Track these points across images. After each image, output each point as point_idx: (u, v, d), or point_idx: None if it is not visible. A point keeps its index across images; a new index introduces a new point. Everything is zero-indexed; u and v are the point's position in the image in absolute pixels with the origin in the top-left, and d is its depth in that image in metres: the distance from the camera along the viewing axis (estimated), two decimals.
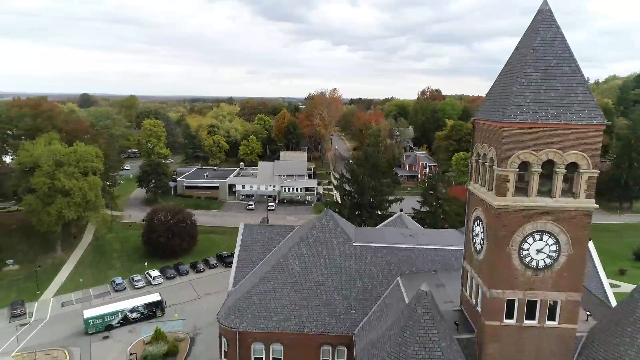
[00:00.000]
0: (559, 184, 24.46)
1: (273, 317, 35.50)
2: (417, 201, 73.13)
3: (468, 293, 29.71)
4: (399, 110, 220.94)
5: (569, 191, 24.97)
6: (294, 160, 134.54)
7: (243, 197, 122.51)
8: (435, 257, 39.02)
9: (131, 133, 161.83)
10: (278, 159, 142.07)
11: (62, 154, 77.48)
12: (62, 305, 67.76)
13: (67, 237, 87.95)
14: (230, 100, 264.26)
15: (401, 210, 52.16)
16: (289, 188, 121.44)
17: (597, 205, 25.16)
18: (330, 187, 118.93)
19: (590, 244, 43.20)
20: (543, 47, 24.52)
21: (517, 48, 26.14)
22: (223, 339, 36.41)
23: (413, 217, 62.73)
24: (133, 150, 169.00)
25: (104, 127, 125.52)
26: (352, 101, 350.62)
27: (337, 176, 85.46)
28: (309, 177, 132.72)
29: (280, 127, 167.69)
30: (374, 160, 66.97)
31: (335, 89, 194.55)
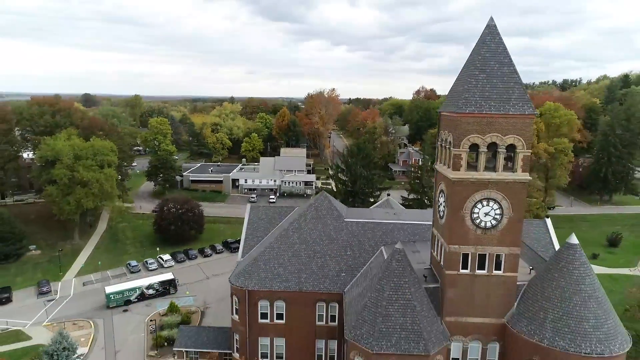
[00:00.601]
0: (500, 161, 31.33)
1: (276, 279, 42.32)
2: (405, 189, 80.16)
3: (435, 252, 36.62)
4: (396, 110, 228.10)
5: (509, 167, 31.88)
6: (294, 156, 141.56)
7: (246, 190, 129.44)
8: (414, 230, 45.84)
9: (136, 131, 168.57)
10: (279, 155, 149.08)
11: (80, 148, 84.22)
12: (84, 285, 74.58)
13: (84, 225, 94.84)
14: (231, 100, 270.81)
15: (388, 194, 59.02)
16: (289, 182, 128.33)
17: (530, 178, 32.12)
18: (328, 181, 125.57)
19: (549, 221, 50.14)
20: (488, 55, 31.42)
21: (470, 55, 32.98)
22: (234, 298, 43.23)
23: (402, 204, 69.62)
24: (137, 147, 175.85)
25: (111, 125, 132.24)
26: (350, 101, 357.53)
27: (333, 167, 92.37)
28: (308, 172, 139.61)
29: (281, 125, 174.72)
30: (365, 152, 74.05)
31: (333, 88, 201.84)
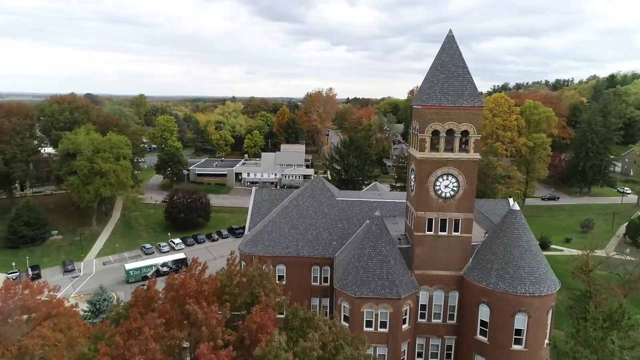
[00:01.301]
0: (457, 143, 39.39)
1: (278, 246, 50.34)
2: (393, 177, 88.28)
3: (408, 220, 44.75)
4: (392, 108, 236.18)
5: (463, 149, 39.98)
6: (293, 152, 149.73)
7: (248, 183, 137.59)
8: (395, 207, 53.81)
9: (142, 129, 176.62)
10: (279, 151, 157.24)
11: (98, 142, 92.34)
12: (104, 264, 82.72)
13: (100, 213, 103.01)
14: (233, 99, 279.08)
15: (376, 180, 67.10)
16: (288, 176, 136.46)
17: (479, 157, 40.20)
18: (326, 175, 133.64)
19: (511, 200, 58.06)
20: (447, 59, 39.55)
21: (434, 59, 41.07)
22: (242, 262, 51.27)
23: (390, 190, 77.68)
24: (143, 144, 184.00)
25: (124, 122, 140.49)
26: (348, 100, 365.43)
27: (329, 158, 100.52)
28: (307, 166, 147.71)
29: (281, 122, 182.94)
30: (357, 145, 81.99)
31: (331, 88, 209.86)
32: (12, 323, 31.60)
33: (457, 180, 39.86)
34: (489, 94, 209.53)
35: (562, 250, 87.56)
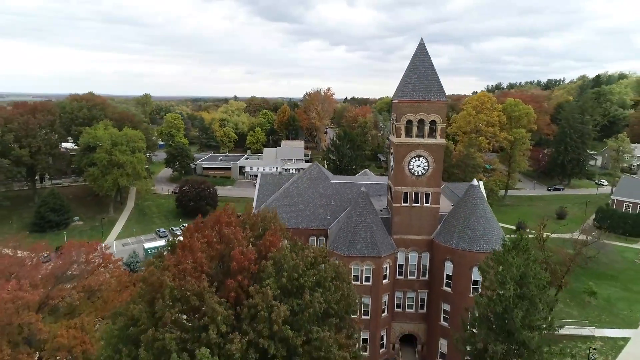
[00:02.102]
0: (426, 131, 48.60)
1: (281, 220, 59.46)
2: (384, 167, 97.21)
3: (389, 195, 53.99)
4: (388, 107, 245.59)
5: (431, 135, 49.20)
6: (293, 147, 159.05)
7: (251, 177, 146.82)
8: (381, 188, 62.91)
9: (148, 127, 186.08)
10: (280, 146, 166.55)
11: (116, 136, 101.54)
12: (123, 245, 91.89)
13: (116, 202, 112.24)
14: (235, 99, 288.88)
15: (367, 168, 76.32)
16: (289, 169, 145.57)
17: (445, 141, 49.42)
18: (323, 165, 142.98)
19: (481, 183, 67.23)
20: (419, 63, 48.77)
21: (409, 63, 50.26)
22: None
23: None
24: (154, 137, 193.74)
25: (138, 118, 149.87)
26: (346, 100, 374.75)
27: (325, 150, 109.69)
28: (306, 161, 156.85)
29: (282, 120, 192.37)
30: (350, 137, 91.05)
31: (329, 87, 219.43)
32: (79, 268, 40.94)
33: (427, 161, 49.06)
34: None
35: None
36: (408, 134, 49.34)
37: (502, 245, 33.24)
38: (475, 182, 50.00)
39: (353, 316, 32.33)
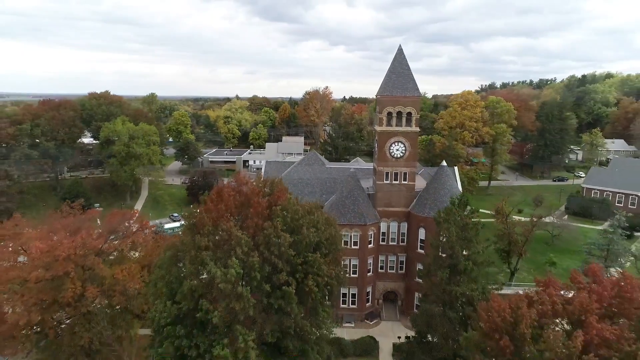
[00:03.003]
0: (404, 120, 59.12)
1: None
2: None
3: (374, 175, 64.52)
4: None
5: (408, 124, 59.66)
6: (294, 142, 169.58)
7: (255, 170, 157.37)
8: (369, 172, 73.31)
9: (158, 123, 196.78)
10: (281, 141, 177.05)
11: (133, 130, 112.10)
12: None
13: (132, 191, 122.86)
14: (237, 98, 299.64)
15: (358, 156, 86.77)
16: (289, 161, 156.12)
17: (419, 129, 59.96)
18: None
19: (456, 169, 77.71)
20: (398, 65, 59.34)
21: (390, 65, 60.79)
22: None
23: None
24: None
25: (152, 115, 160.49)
26: (344, 99, 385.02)
27: (322, 142, 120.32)
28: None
29: (282, 117, 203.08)
30: (344, 130, 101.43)
31: (327, 86, 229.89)
32: (122, 229, 51.51)
33: (405, 146, 59.59)
34: (477, 92, 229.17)
35: (513, 218, 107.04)
36: (389, 123, 59.87)
37: (450, 202, 43.92)
38: (444, 163, 60.56)
39: (338, 251, 42.65)
